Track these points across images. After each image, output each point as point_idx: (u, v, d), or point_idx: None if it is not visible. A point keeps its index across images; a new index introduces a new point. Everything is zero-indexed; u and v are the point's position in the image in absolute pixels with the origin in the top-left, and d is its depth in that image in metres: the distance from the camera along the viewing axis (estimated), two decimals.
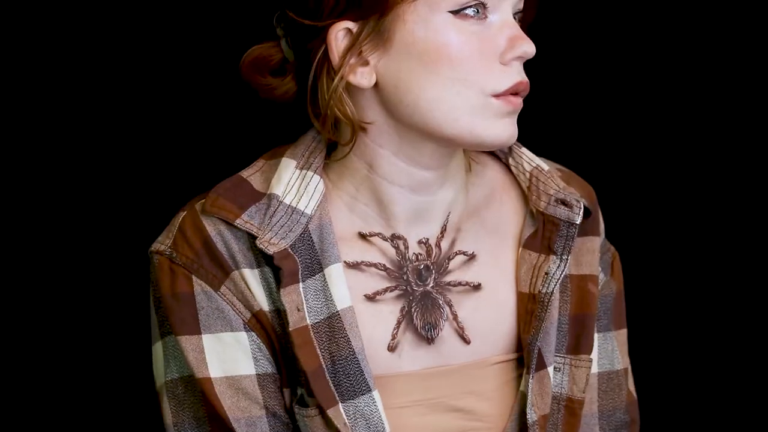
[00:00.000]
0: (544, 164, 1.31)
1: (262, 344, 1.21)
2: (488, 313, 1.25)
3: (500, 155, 1.32)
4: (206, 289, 1.20)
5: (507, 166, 1.32)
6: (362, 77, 1.17)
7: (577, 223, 1.25)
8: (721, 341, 1.85)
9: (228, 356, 1.20)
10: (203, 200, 1.22)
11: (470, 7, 1.14)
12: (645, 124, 1.83)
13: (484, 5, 1.15)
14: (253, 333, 1.20)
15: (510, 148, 1.31)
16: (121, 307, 1.70)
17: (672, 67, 1.81)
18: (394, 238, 1.24)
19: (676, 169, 1.84)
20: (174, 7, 1.69)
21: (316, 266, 1.20)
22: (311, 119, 1.21)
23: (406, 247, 1.24)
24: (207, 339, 1.20)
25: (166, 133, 1.72)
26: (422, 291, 1.23)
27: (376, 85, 1.17)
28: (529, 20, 1.24)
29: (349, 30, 1.16)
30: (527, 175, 1.29)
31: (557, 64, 1.67)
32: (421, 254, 1.24)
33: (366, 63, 1.16)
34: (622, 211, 1.57)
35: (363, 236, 1.23)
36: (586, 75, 1.80)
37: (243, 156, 1.30)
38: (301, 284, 1.19)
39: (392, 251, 1.23)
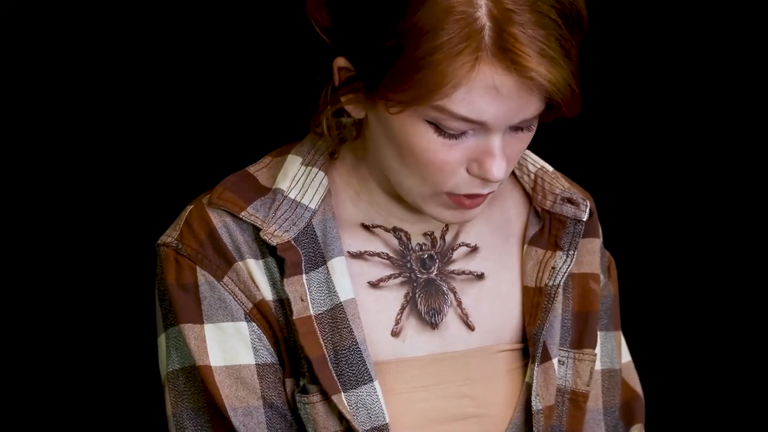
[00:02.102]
0: (548, 166, 1.33)
1: (262, 334, 1.22)
2: (491, 302, 1.27)
3: None
4: (209, 279, 1.21)
5: None
6: (354, 109, 1.18)
7: (584, 219, 1.28)
8: (718, 345, 1.86)
9: (228, 346, 1.21)
10: (210, 194, 1.23)
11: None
12: (640, 134, 1.84)
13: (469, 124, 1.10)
14: (253, 323, 1.21)
15: None
16: (128, 303, 1.71)
17: (668, 73, 1.82)
18: (396, 230, 1.26)
19: (670, 178, 1.85)
20: (181, 10, 1.70)
21: (319, 259, 1.21)
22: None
23: (408, 239, 1.26)
24: (209, 328, 1.21)
25: (172, 131, 1.73)
26: (426, 278, 1.25)
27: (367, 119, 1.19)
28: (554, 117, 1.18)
29: (349, 69, 1.15)
30: (532, 176, 1.32)
31: None
32: (425, 245, 1.26)
33: (360, 99, 1.17)
34: (616, 219, 1.58)
35: (366, 227, 1.25)
36: (583, 80, 1.80)
37: (249, 155, 1.31)
38: (304, 275, 1.20)
39: (395, 242, 1.25)
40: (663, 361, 1.85)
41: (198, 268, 1.21)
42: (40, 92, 1.68)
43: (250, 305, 1.21)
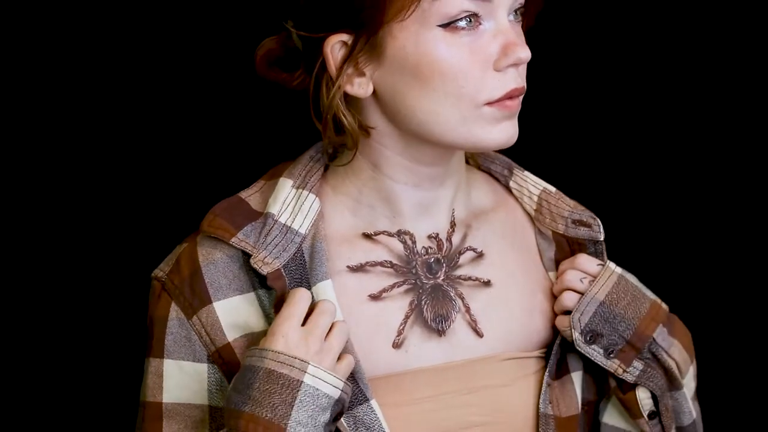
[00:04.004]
0: (550, 186, 1.33)
1: (222, 379, 1.22)
2: (498, 309, 1.26)
3: (500, 177, 1.34)
4: (180, 316, 1.22)
5: (507, 188, 1.34)
6: (359, 87, 1.18)
7: (601, 239, 1.28)
8: (715, 347, 1.86)
9: (184, 384, 1.22)
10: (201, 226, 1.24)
11: (460, 19, 1.14)
12: (635, 136, 1.83)
13: (476, 15, 1.15)
14: (215, 366, 1.22)
15: (511, 171, 1.33)
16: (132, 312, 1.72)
17: (665, 73, 1.81)
18: (401, 234, 1.24)
19: (667, 179, 1.84)
20: (179, 12, 1.70)
21: (305, 285, 1.20)
22: (315, 123, 1.22)
23: (413, 242, 1.24)
24: (168, 364, 1.22)
25: (176, 140, 1.73)
26: (433, 283, 1.24)
27: (375, 93, 1.19)
28: (535, 12, 1.24)
29: (344, 42, 1.17)
30: (535, 198, 1.31)
31: (551, 69, 1.67)
32: (431, 248, 1.25)
33: (362, 74, 1.18)
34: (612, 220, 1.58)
35: (368, 236, 1.24)
36: (578, 82, 1.80)
37: (255, 165, 1.32)
38: None
39: (399, 247, 1.24)
40: None
41: (173, 303, 1.22)
42: (40, 93, 1.69)
43: (213, 348, 1.21)
